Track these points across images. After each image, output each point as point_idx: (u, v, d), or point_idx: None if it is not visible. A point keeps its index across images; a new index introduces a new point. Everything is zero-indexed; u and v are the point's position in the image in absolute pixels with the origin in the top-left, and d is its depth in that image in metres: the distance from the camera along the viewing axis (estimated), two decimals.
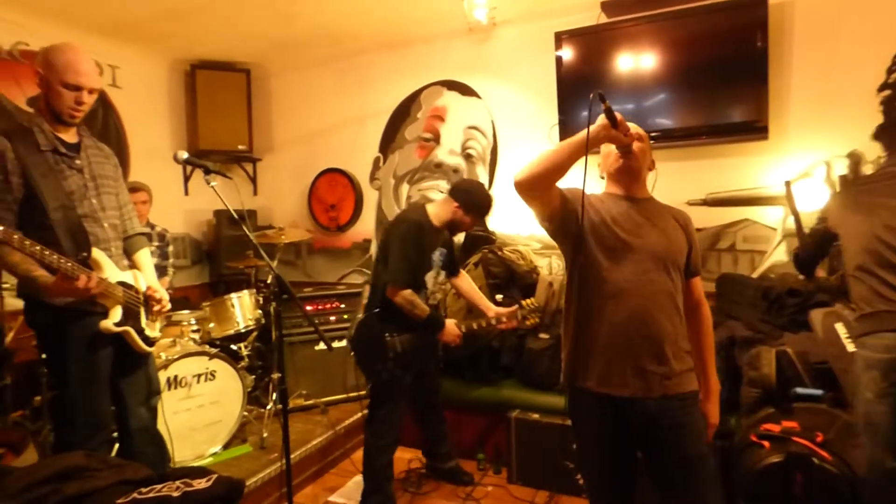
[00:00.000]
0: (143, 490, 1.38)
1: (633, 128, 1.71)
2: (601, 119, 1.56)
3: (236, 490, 1.47)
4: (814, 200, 3.18)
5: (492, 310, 2.86)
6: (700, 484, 1.63)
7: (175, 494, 1.37)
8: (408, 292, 2.59)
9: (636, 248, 1.68)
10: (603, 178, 1.88)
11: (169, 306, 2.32)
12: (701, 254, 1.86)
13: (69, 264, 1.87)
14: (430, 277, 2.75)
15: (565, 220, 1.72)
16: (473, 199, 2.71)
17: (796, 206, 3.11)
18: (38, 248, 1.80)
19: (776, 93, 3.25)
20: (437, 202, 2.78)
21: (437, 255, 2.76)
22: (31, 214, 1.93)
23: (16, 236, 1.75)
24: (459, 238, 4.10)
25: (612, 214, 1.73)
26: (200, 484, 1.43)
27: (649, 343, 1.63)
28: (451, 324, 2.73)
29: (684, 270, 1.77)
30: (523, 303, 2.84)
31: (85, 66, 2.01)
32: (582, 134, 1.58)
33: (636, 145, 1.70)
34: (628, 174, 1.77)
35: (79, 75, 1.98)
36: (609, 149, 1.77)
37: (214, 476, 1.46)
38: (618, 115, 1.54)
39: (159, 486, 1.39)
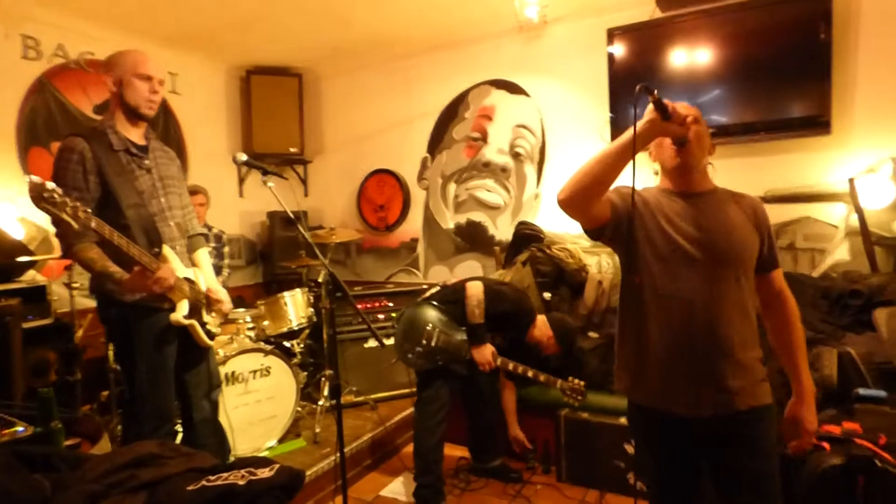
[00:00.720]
0: (211, 478, 1.43)
1: (686, 109, 1.53)
2: (649, 112, 1.42)
3: (297, 480, 1.52)
4: (879, 197, 3.05)
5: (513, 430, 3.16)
6: (762, 502, 1.53)
7: (240, 482, 1.42)
8: (483, 298, 2.74)
9: (695, 253, 1.52)
10: (657, 173, 1.70)
11: (230, 306, 2.41)
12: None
13: (148, 257, 1.98)
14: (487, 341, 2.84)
15: (617, 230, 1.57)
16: (566, 335, 2.90)
17: (860, 203, 2.99)
18: (124, 239, 1.91)
19: (840, 87, 3.13)
20: (541, 322, 2.90)
21: (500, 340, 2.94)
22: (106, 212, 2.01)
23: (107, 228, 1.86)
24: (508, 235, 4.12)
25: (668, 215, 1.57)
26: (264, 473, 1.48)
27: (710, 358, 1.50)
28: (489, 348, 2.79)
29: (757, 265, 1.59)
30: (571, 381, 2.83)
31: (152, 60, 2.14)
32: (628, 133, 1.42)
33: (693, 132, 1.51)
34: (685, 170, 1.59)
35: (148, 67, 2.11)
36: (662, 140, 1.58)
37: (277, 466, 1.51)
38: (668, 104, 1.41)
39: (226, 475, 1.45)
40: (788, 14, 3.17)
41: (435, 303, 2.88)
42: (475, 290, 2.76)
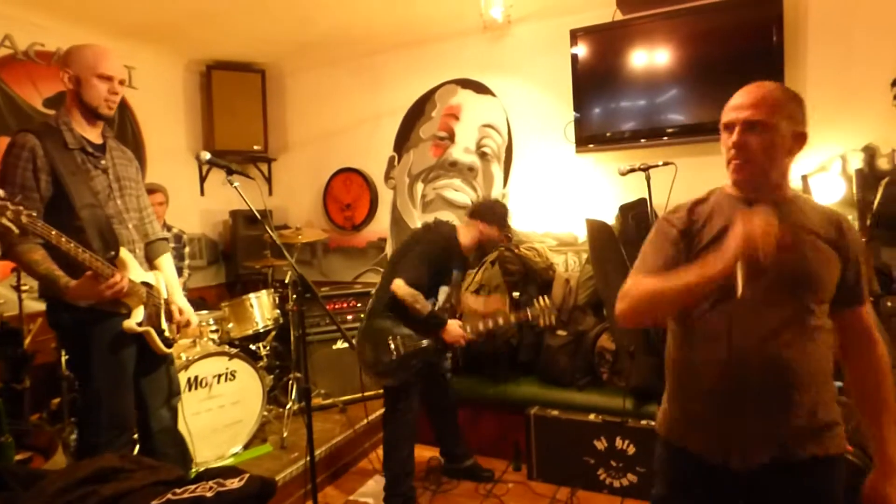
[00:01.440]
0: (178, 490, 1.39)
1: (746, 111, 1.32)
2: (732, 247, 1.19)
3: (268, 489, 1.48)
4: (830, 193, 3.18)
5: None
6: None
7: (209, 494, 1.38)
8: (414, 290, 2.66)
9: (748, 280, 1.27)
10: None
11: (196, 321, 2.33)
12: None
13: (101, 263, 1.87)
14: (443, 291, 2.83)
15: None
16: (494, 211, 2.87)
17: (814, 199, 3.09)
18: (72, 244, 1.80)
19: (792, 87, 3.16)
20: (462, 228, 2.88)
21: (456, 274, 2.89)
22: (58, 214, 1.92)
23: (53, 232, 1.75)
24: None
25: (724, 228, 1.31)
26: (233, 483, 1.44)
27: (763, 395, 1.28)
28: (453, 323, 2.76)
29: (837, 296, 1.34)
30: (538, 304, 2.87)
31: (113, 58, 2.05)
32: (692, 276, 1.24)
33: (754, 141, 1.31)
34: (748, 184, 1.37)
35: (109, 66, 2.02)
36: (725, 141, 1.37)
37: (247, 476, 1.47)
38: (750, 237, 1.16)
39: (193, 487, 1.40)
40: (743, 18, 3.27)
41: (380, 312, 2.77)
42: (402, 290, 2.65)
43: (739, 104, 1.36)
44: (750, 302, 1.25)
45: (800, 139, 1.35)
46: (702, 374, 1.35)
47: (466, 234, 2.86)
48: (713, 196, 1.45)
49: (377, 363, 2.71)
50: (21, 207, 1.64)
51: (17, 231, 1.64)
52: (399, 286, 2.66)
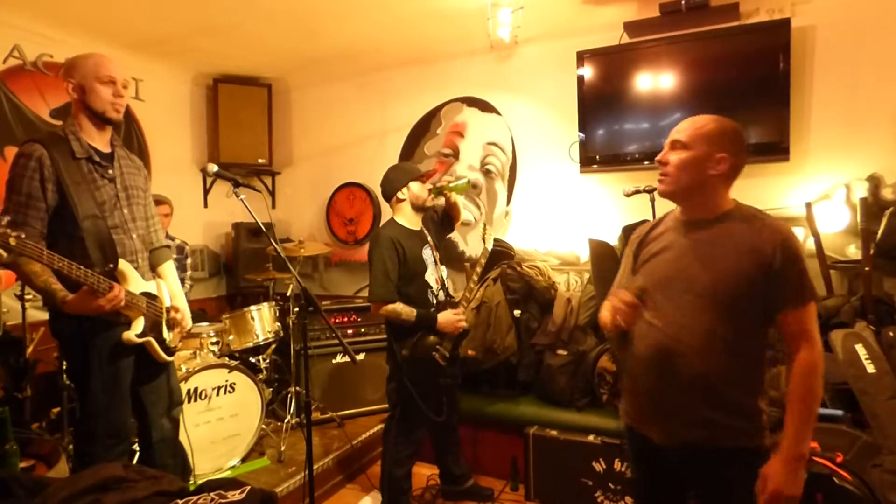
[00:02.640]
0: (179, 501, 1.38)
1: (674, 132, 1.60)
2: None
3: (269, 502, 1.48)
4: (834, 222, 3.19)
5: None
6: None
7: None
8: (389, 306, 2.62)
9: (676, 281, 1.53)
10: None
11: (189, 326, 2.33)
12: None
13: (96, 278, 1.86)
14: (429, 276, 2.77)
15: None
16: (396, 173, 2.81)
17: (817, 227, 3.11)
18: (64, 262, 1.79)
19: (797, 114, 3.26)
20: (396, 209, 2.81)
21: (428, 254, 2.79)
22: (62, 223, 1.94)
23: (45, 252, 1.74)
24: (478, 251, 4.12)
25: (665, 243, 1.61)
26: (234, 496, 1.43)
27: (676, 388, 1.51)
28: (444, 314, 2.69)
29: (768, 303, 1.47)
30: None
31: (113, 62, 2.07)
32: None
33: (673, 158, 1.56)
34: (675, 198, 1.62)
35: (111, 69, 2.04)
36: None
37: (248, 488, 1.47)
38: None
39: (195, 499, 1.40)
40: (750, 45, 3.29)
41: (395, 346, 2.71)
42: (385, 312, 2.63)
43: (675, 129, 1.61)
44: (670, 313, 1.52)
45: (722, 162, 1.52)
46: (633, 367, 1.63)
47: (401, 214, 2.79)
48: (668, 217, 1.69)
49: (438, 375, 2.70)
50: (8, 230, 1.63)
51: (5, 255, 1.64)
52: (375, 310, 2.66)
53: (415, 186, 2.76)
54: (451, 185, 2.86)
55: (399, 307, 2.61)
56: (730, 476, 1.51)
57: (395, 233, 2.71)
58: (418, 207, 2.79)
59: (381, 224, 2.86)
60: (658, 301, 1.54)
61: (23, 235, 1.68)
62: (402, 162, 2.70)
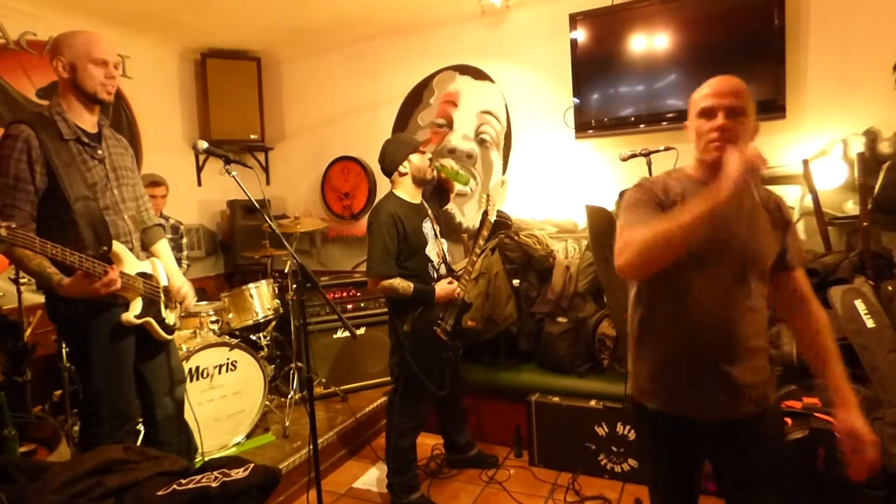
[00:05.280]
0: (182, 481, 1.38)
1: (729, 98, 1.41)
2: (732, 172, 1.26)
3: (273, 478, 1.48)
4: (831, 178, 3.17)
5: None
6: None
7: (214, 485, 1.38)
8: (386, 282, 2.57)
9: (716, 253, 1.42)
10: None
11: (194, 299, 2.33)
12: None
13: (91, 263, 1.84)
14: (430, 250, 2.73)
15: None
16: (395, 146, 2.72)
17: (814, 184, 3.09)
18: (58, 249, 1.76)
19: (793, 71, 3.22)
20: (396, 183, 2.75)
21: (428, 227, 2.75)
22: (53, 206, 1.91)
23: (37, 241, 1.72)
24: (475, 221, 4.11)
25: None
26: (238, 473, 1.44)
27: (713, 362, 1.45)
28: (440, 284, 2.66)
29: (776, 264, 1.51)
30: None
31: (105, 42, 2.02)
32: (704, 206, 1.28)
33: (737, 126, 1.41)
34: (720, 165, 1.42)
35: (102, 49, 1.99)
36: (703, 126, 1.45)
37: (251, 465, 1.47)
38: (747, 159, 1.26)
39: (198, 477, 1.40)
40: (744, 1, 3.23)
41: (397, 321, 2.70)
42: (378, 288, 2.60)
43: (719, 92, 1.45)
44: (708, 274, 1.43)
45: (756, 131, 1.48)
46: (666, 341, 1.52)
47: (401, 188, 2.72)
48: (677, 177, 1.55)
49: (447, 346, 2.70)
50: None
51: None
52: (373, 286, 2.62)
53: (416, 158, 2.70)
54: (453, 171, 2.82)
55: (396, 282, 2.59)
56: (768, 433, 1.50)
57: (395, 207, 2.65)
58: (419, 180, 2.74)
59: (380, 198, 2.79)
60: (697, 271, 1.44)
61: (13, 225, 1.65)
62: (398, 134, 2.62)
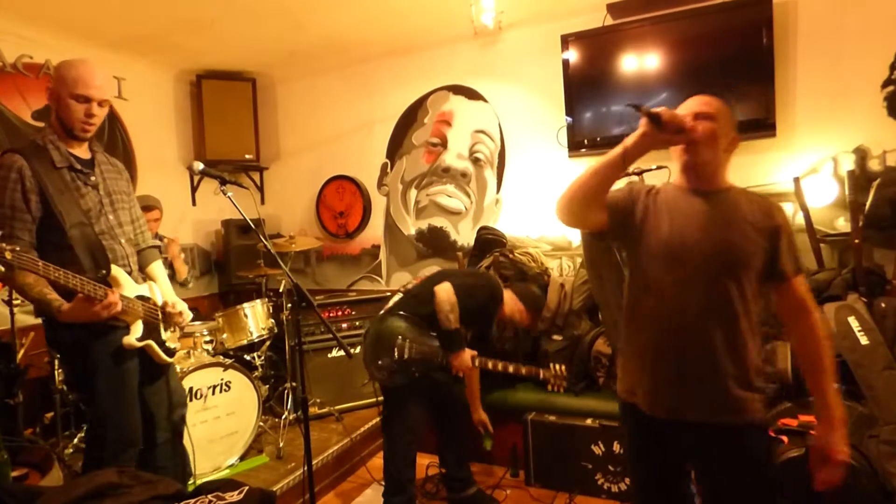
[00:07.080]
0: None
1: (697, 106, 1.52)
2: (642, 125, 1.43)
3: (268, 502, 1.47)
4: (822, 195, 3.19)
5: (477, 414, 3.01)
6: None
7: None
8: (455, 300, 2.57)
9: (687, 252, 1.48)
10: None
11: (190, 316, 2.32)
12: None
13: (92, 286, 1.84)
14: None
15: (619, 232, 1.61)
16: (536, 302, 2.90)
17: (805, 201, 3.12)
18: (61, 272, 1.76)
19: (782, 90, 3.26)
20: (508, 297, 2.79)
21: (465, 332, 2.77)
22: (49, 233, 1.91)
23: (41, 264, 1.72)
24: (469, 240, 4.13)
25: (671, 212, 1.54)
26: (232, 497, 1.43)
27: (683, 363, 1.48)
28: (468, 353, 2.63)
29: (767, 273, 1.51)
30: (553, 368, 2.69)
31: (96, 79, 1.99)
32: (621, 146, 1.45)
33: (701, 131, 1.49)
34: (692, 167, 1.55)
35: (88, 87, 1.96)
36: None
37: (246, 488, 1.46)
38: (663, 113, 1.40)
39: (192, 501, 1.39)
40: (733, 21, 3.28)
41: (402, 312, 2.70)
42: (446, 295, 2.56)
43: (687, 105, 1.58)
44: (688, 277, 1.47)
45: (734, 142, 1.58)
46: (639, 341, 1.58)
47: (510, 304, 2.79)
48: (664, 188, 1.63)
49: (376, 359, 2.64)
50: (3, 244, 1.62)
51: (2, 269, 1.62)
52: (446, 289, 2.58)
53: (527, 319, 2.86)
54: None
55: (457, 307, 2.59)
56: (738, 450, 1.49)
57: (497, 300, 2.75)
58: (509, 319, 2.87)
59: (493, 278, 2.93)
60: (673, 272, 1.50)
61: (17, 248, 1.66)
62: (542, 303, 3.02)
